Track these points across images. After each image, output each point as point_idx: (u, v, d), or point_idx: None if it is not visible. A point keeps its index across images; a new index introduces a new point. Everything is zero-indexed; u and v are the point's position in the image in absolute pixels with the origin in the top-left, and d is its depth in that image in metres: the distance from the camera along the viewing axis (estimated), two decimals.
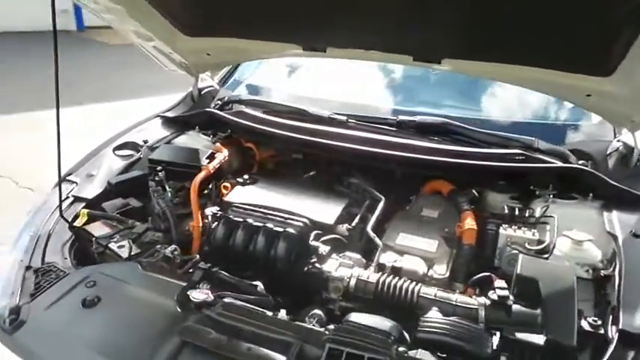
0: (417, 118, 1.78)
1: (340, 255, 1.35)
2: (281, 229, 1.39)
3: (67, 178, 1.75)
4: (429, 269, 1.33)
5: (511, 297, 1.14)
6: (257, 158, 1.97)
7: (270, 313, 1.10)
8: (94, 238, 1.44)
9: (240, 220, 1.45)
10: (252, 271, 1.41)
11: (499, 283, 1.18)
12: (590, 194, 1.51)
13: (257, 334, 1.04)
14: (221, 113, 1.97)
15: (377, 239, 1.39)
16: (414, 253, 1.38)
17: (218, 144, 1.89)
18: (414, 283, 1.22)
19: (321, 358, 0.97)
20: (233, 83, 2.41)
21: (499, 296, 1.14)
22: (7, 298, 1.18)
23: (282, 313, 1.11)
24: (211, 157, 1.79)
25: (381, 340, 1.00)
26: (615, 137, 1.78)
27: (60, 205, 1.43)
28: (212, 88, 2.33)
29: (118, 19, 1.70)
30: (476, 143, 1.68)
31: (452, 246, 1.41)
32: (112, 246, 1.41)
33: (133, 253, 1.38)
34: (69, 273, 1.27)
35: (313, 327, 1.09)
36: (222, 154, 1.81)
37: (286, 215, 1.46)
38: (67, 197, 1.62)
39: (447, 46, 1.49)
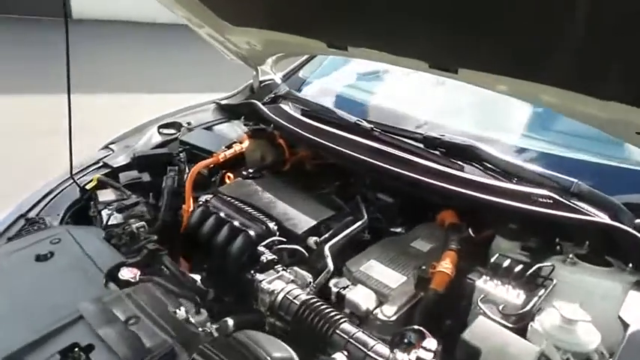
0: (444, 137, 1.56)
1: (287, 268, 1.25)
2: (243, 228, 1.35)
3: (109, 145, 1.93)
4: (376, 307, 1.16)
5: None
6: (285, 156, 1.94)
7: (171, 309, 1.07)
8: (92, 202, 1.57)
9: (214, 210, 1.44)
10: (210, 263, 1.40)
11: (429, 342, 0.97)
12: (630, 264, 1.17)
13: (142, 322, 1.02)
14: (260, 106, 1.99)
15: (329, 259, 1.25)
16: (371, 285, 1.22)
17: (244, 135, 1.90)
18: (339, 316, 1.07)
19: None
20: (296, 81, 2.38)
21: (417, 357, 0.94)
22: None
23: (182, 312, 1.06)
24: (229, 147, 1.81)
25: None
26: None
27: (70, 167, 1.57)
28: (272, 82, 2.35)
29: (169, 5, 1.81)
30: (502, 174, 1.41)
31: (422, 288, 1.21)
32: (103, 212, 1.52)
33: (112, 222, 1.46)
34: (47, 227, 1.40)
35: (195, 331, 1.03)
36: (240, 145, 1.82)
37: (259, 216, 1.41)
38: (97, 162, 1.79)
39: (466, 56, 1.28)
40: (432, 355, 0.94)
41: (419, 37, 1.32)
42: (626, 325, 1.01)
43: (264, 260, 1.22)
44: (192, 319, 1.10)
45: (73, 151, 1.52)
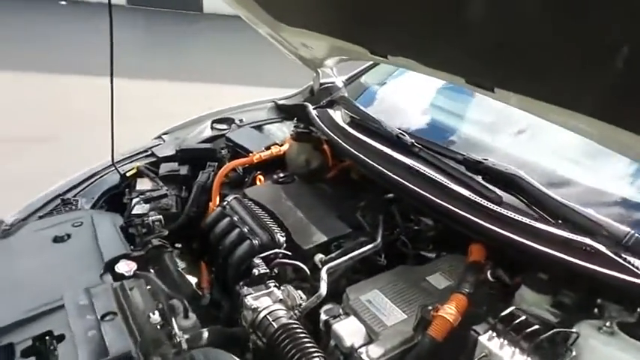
0: (487, 161, 1.37)
1: (281, 285, 1.18)
2: (248, 236, 1.30)
3: (161, 135, 2.00)
4: (363, 345, 1.05)
5: None
6: (329, 162, 1.86)
7: (148, 312, 1.05)
8: (127, 189, 1.63)
9: (229, 213, 1.41)
10: (216, 267, 1.37)
11: None
12: None
13: (116, 320, 1.01)
14: (310, 109, 1.93)
15: (323, 282, 1.15)
16: (364, 318, 1.10)
17: (287, 137, 1.85)
18: (313, 350, 0.98)
19: None
20: (357, 87, 2.28)
21: None
22: (24, 213, 1.45)
23: (156, 316, 1.04)
24: (268, 148, 1.78)
25: None
26: None
27: (112, 154, 1.64)
28: (332, 85, 2.27)
29: (229, 3, 1.81)
30: (543, 212, 1.20)
31: (420, 331, 1.06)
32: (134, 200, 1.56)
33: (137, 212, 1.50)
34: (77, 210, 1.48)
35: (162, 339, 0.99)
36: (278, 148, 1.77)
37: (270, 225, 1.35)
38: (145, 151, 1.86)
39: (502, 76, 1.10)
40: None
41: (456, 54, 1.17)
42: None
43: (256, 273, 1.16)
44: (174, 324, 1.08)
45: None
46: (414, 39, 1.27)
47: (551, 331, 0.95)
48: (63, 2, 11.56)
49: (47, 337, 0.99)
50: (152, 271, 1.25)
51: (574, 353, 0.93)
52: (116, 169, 1.67)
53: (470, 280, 1.12)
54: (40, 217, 1.44)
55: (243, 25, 1.86)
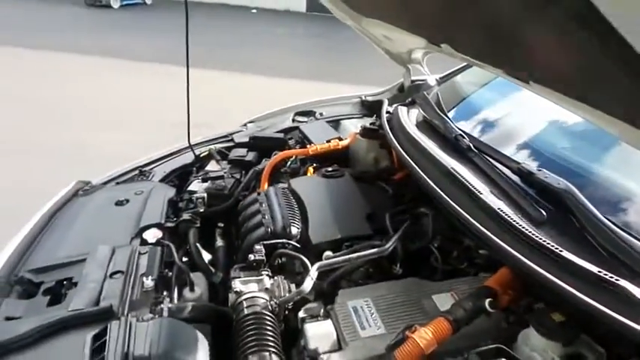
0: (540, 172, 1.16)
1: (274, 276, 1.17)
2: (265, 223, 1.32)
3: (247, 123, 2.13)
4: (328, 352, 0.98)
5: None
6: (395, 162, 1.76)
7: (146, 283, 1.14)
8: (195, 168, 1.78)
9: (261, 200, 1.45)
10: (237, 246, 1.42)
11: None
12: None
13: (120, 279, 1.13)
14: (386, 107, 1.86)
15: (309, 280, 1.10)
16: (340, 324, 1.03)
17: (351, 131, 1.81)
18: (259, 346, 0.96)
19: None
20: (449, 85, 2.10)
21: None
22: (106, 178, 1.69)
23: (149, 281, 1.13)
24: (328, 142, 1.77)
25: None
26: None
27: (188, 136, 1.80)
28: (424, 82, 2.13)
29: None
30: (588, 239, 0.97)
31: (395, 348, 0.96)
32: (194, 177, 1.71)
33: (192, 188, 1.63)
34: (147, 180, 1.67)
35: (144, 302, 1.07)
36: (337, 142, 1.75)
37: (291, 215, 1.35)
38: (226, 136, 2.01)
39: (535, 70, 0.92)
40: None
41: (498, 45, 1.02)
42: None
43: (251, 259, 1.17)
44: (174, 293, 1.17)
45: None
46: (466, 35, 1.13)
47: None
48: (254, 10, 13.19)
49: (65, 282, 1.15)
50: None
51: None
52: (192, 149, 1.83)
53: (466, 307, 0.97)
54: (117, 184, 1.67)
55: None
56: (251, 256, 1.18)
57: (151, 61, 7.68)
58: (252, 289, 1.11)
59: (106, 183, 1.67)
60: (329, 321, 1.05)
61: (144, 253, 1.23)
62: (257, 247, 1.22)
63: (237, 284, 1.13)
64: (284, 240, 1.26)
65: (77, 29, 10.48)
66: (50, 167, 3.80)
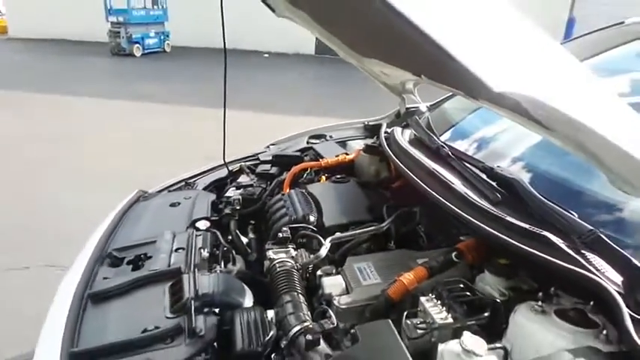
0: (496, 169, 1.53)
1: (298, 249, 1.54)
2: (288, 213, 1.71)
3: (269, 145, 2.55)
4: (339, 295, 1.35)
5: (320, 336, 1.12)
6: (392, 172, 2.15)
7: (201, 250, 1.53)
8: (229, 180, 2.19)
9: (285, 198, 1.84)
10: (265, 234, 1.80)
11: (331, 319, 1.16)
12: (605, 331, 1.01)
13: (182, 252, 1.51)
14: (384, 128, 2.26)
15: (324, 249, 1.47)
16: (347, 277, 1.40)
17: (356, 148, 2.22)
18: (290, 286, 1.33)
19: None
20: (439, 111, 2.51)
21: (308, 327, 1.14)
22: (160, 188, 2.10)
23: (205, 252, 1.51)
24: (337, 157, 2.17)
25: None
26: None
27: (224, 156, 2.22)
28: (417, 109, 2.54)
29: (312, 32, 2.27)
30: (530, 212, 1.34)
31: None
32: (229, 187, 2.11)
33: (228, 195, 2.03)
34: (193, 189, 2.07)
35: (203, 265, 1.45)
36: (344, 156, 2.15)
37: (308, 208, 1.73)
38: (253, 155, 2.43)
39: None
40: (322, 328, 1.12)
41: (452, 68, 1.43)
42: None
43: (280, 236, 1.56)
44: (218, 263, 1.54)
45: None
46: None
47: (473, 298, 1.13)
48: (266, 55, 14.00)
49: (142, 256, 1.54)
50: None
51: (486, 314, 1.10)
52: (226, 166, 2.25)
53: (438, 259, 1.33)
54: (169, 192, 2.08)
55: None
56: (280, 234, 1.57)
57: (171, 103, 8.32)
58: (281, 256, 1.49)
59: (159, 192, 2.08)
60: (339, 276, 1.41)
61: (199, 235, 1.61)
62: (284, 228, 1.60)
63: (270, 254, 1.50)
64: (304, 224, 1.64)
65: (105, 76, 11.30)
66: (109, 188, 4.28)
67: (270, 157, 2.35)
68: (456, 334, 1.11)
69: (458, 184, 1.56)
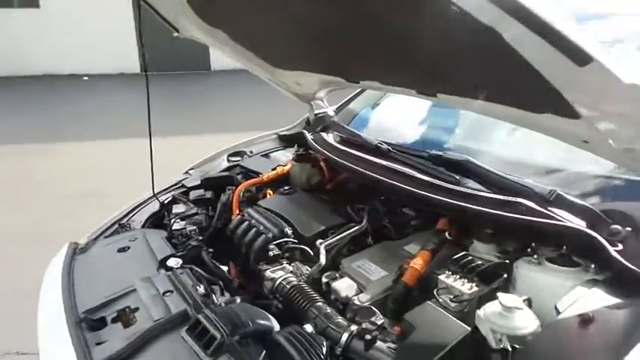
0: (445, 154, 1.75)
1: (291, 263, 1.55)
2: (264, 232, 1.68)
3: (188, 170, 2.42)
4: (355, 294, 1.40)
5: (378, 334, 1.16)
6: (325, 176, 2.25)
7: (195, 287, 1.42)
8: (165, 213, 2.04)
9: (247, 218, 1.80)
10: (241, 259, 1.75)
11: (376, 318, 1.20)
12: (593, 265, 1.26)
13: (173, 294, 1.39)
14: (307, 135, 2.34)
15: (322, 256, 1.52)
16: (355, 277, 1.46)
17: (289, 159, 2.26)
18: (315, 297, 1.34)
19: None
20: (347, 113, 2.71)
21: (362, 328, 1.18)
22: (93, 236, 1.86)
23: (201, 289, 1.41)
24: (274, 169, 2.19)
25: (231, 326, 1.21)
26: None
27: (152, 188, 2.06)
28: (325, 114, 2.69)
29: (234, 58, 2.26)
30: (489, 186, 1.56)
31: (397, 281, 1.42)
32: (172, 219, 1.97)
33: (175, 227, 1.89)
34: (131, 230, 1.88)
35: (207, 302, 1.36)
36: (282, 168, 2.18)
37: (280, 222, 1.73)
38: (177, 183, 2.28)
39: (439, 83, 1.50)
40: (375, 326, 1.17)
41: (406, 73, 1.59)
42: (558, 313, 1.12)
43: (271, 255, 1.54)
44: (214, 297, 1.45)
45: None
46: (377, 66, 1.69)
47: (489, 264, 1.30)
48: (85, 78, 12.59)
49: (127, 310, 1.37)
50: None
51: (505, 275, 1.27)
52: (157, 198, 2.08)
53: (434, 241, 1.48)
54: (105, 237, 1.85)
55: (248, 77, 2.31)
56: (271, 253, 1.55)
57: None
58: (282, 274, 1.48)
59: (95, 239, 1.84)
60: (346, 278, 1.47)
61: (181, 274, 1.49)
62: (271, 246, 1.58)
63: (269, 274, 1.48)
64: (286, 239, 1.64)
65: None
66: None
67: (199, 182, 2.25)
68: (481, 301, 1.26)
69: (417, 173, 1.72)
